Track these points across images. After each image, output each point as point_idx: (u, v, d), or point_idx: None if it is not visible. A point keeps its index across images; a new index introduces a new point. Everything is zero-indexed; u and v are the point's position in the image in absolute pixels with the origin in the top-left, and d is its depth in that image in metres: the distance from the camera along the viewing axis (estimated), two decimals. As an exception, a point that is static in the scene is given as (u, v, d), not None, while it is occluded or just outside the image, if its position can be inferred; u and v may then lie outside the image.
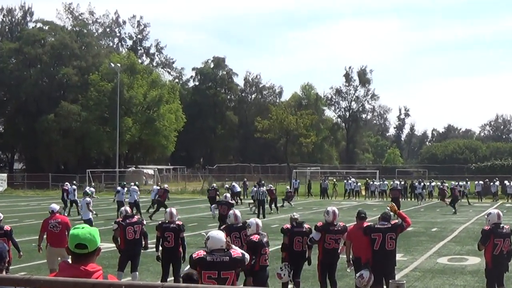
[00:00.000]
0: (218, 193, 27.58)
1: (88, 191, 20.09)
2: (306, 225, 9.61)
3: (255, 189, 26.65)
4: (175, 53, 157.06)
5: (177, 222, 10.28)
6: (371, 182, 41.76)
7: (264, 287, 8.33)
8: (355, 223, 9.73)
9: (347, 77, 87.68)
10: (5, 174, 53.57)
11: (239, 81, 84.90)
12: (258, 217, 23.95)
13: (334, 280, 9.57)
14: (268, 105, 72.68)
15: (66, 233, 10.69)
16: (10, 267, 9.91)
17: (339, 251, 9.52)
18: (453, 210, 28.03)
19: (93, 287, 2.85)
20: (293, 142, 65.85)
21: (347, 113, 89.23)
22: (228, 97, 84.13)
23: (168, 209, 10.82)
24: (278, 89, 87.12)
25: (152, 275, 11.68)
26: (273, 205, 28.44)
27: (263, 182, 30.87)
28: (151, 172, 54.07)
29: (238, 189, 34.73)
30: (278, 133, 58.56)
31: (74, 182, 31.73)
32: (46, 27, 64.65)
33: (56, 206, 11.73)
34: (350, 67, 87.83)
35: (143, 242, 10.70)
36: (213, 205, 23.05)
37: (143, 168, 57.90)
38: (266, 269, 8.42)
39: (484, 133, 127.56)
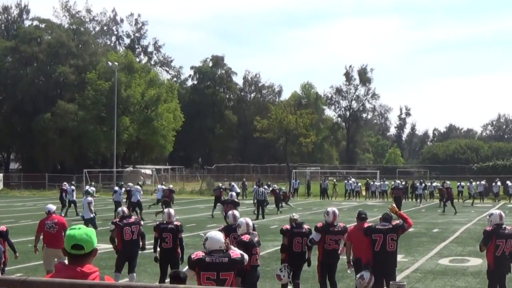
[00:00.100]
0: (223, 191, 27.68)
1: (90, 190, 19.94)
2: (305, 226, 9.55)
3: (261, 189, 26.51)
4: (173, 52, 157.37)
5: (175, 223, 10.18)
6: (372, 183, 41.59)
7: None
8: (356, 223, 9.67)
9: (348, 76, 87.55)
10: (1, 174, 53.39)
11: (238, 80, 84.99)
12: (257, 217, 23.90)
13: (334, 281, 9.51)
14: (267, 105, 72.45)
15: (63, 233, 10.56)
16: (6, 268, 9.82)
17: (339, 252, 9.46)
18: (441, 209, 28.09)
19: (89, 288, 2.83)
20: (292, 142, 65.71)
21: (348, 113, 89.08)
22: (227, 96, 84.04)
23: (166, 210, 10.74)
24: (277, 88, 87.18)
25: (150, 276, 11.57)
26: (282, 203, 28.71)
27: (261, 182, 30.84)
28: (149, 172, 53.92)
29: (237, 189, 34.65)
30: (278, 132, 58.39)
31: (73, 182, 31.59)
32: (43, 25, 64.27)
33: (52, 207, 11.61)
34: (350, 66, 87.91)
35: (141, 243, 10.61)
36: (219, 204, 22.88)
37: (140, 168, 57.74)
38: (256, 269, 8.32)
39: (486, 133, 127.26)
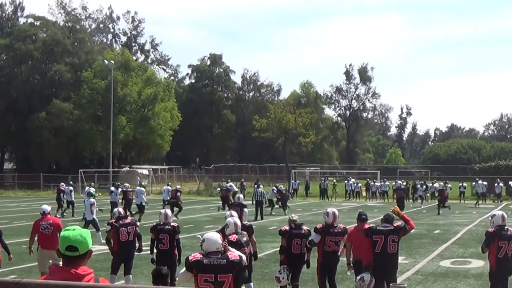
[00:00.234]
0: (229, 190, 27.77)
1: (91, 191, 19.78)
2: (305, 227, 9.52)
3: (259, 190, 26.28)
4: (171, 50, 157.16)
5: (172, 224, 10.09)
6: (372, 183, 41.31)
7: None
8: (356, 225, 9.59)
9: (348, 74, 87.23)
10: (-5, 174, 53.19)
11: (237, 78, 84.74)
12: (256, 218, 23.79)
13: (334, 283, 9.45)
14: (266, 104, 72.28)
15: (58, 235, 10.39)
16: (0, 270, 9.67)
17: (339, 253, 9.41)
18: (438, 211, 28.03)
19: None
20: (292, 141, 65.59)
21: (348, 112, 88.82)
22: (225, 95, 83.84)
23: (162, 210, 10.67)
24: (276, 87, 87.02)
25: (146, 278, 11.39)
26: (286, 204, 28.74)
27: (259, 182, 30.74)
28: (145, 172, 53.68)
29: (235, 189, 34.51)
30: (277, 132, 58.21)
31: (71, 182, 31.38)
32: (38, 23, 63.80)
33: (47, 207, 11.45)
34: (350, 65, 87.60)
35: (137, 244, 10.49)
36: (226, 210, 22.55)
37: (137, 168, 57.41)
38: (245, 270, 8.18)
39: (488, 133, 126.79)
